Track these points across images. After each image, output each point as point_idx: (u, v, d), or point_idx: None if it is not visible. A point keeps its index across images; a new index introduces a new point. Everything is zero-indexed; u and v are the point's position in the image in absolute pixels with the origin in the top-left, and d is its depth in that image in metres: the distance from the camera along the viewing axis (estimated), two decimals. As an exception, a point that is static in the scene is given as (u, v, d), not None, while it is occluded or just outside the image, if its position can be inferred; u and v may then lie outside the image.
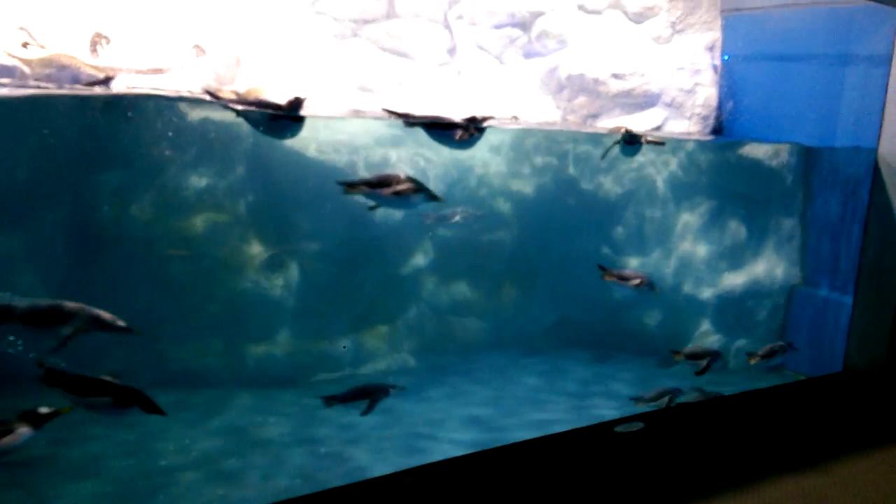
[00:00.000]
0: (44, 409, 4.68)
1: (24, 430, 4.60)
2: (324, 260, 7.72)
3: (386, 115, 6.41)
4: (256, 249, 7.43)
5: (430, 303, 8.44)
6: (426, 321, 8.35)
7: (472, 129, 6.21)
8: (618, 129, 7.56)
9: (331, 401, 6.16)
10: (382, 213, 7.86)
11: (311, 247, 7.69)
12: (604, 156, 6.98)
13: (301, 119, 5.70)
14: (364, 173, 7.72)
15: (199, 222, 7.18)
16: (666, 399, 6.74)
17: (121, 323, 5.02)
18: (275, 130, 5.98)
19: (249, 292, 7.35)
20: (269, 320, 7.52)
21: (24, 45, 6.39)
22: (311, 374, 7.56)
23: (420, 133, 8.55)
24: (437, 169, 8.28)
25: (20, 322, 4.81)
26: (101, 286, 6.45)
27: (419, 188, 6.15)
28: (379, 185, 6.09)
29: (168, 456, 6.00)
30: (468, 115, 6.27)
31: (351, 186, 6.03)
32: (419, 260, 8.29)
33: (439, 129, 6.33)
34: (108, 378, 4.64)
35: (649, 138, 7.49)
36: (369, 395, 6.21)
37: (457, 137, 6.23)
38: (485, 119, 6.25)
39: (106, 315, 4.98)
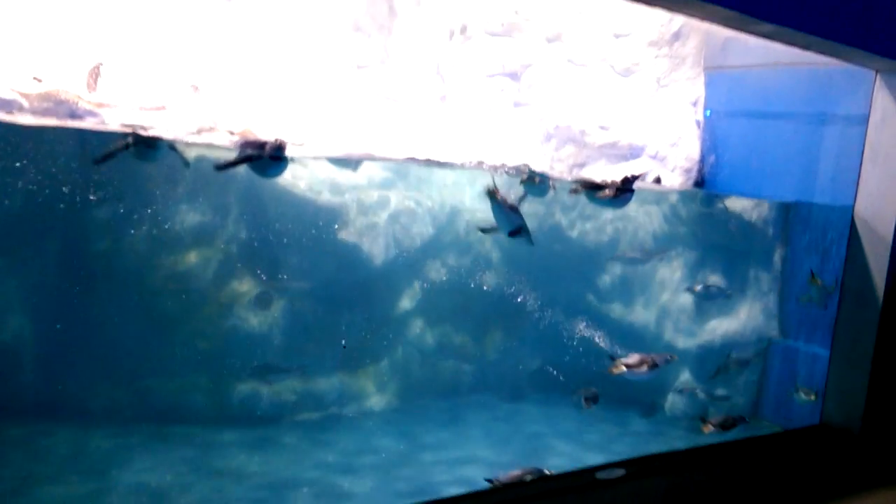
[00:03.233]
0: None
1: None
2: (311, 299, 7.77)
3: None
4: (245, 286, 7.48)
5: (416, 345, 8.49)
6: (412, 363, 8.40)
7: (614, 189, 6.52)
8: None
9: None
10: (368, 253, 7.98)
11: (300, 285, 7.74)
12: None
13: (284, 159, 5.92)
14: (356, 214, 7.86)
15: (191, 258, 7.24)
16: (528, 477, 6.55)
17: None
18: (259, 169, 6.21)
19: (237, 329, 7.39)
20: (256, 357, 7.53)
21: (35, 79, 6.49)
22: (295, 412, 7.56)
23: (410, 176, 8.74)
24: (427, 212, 8.41)
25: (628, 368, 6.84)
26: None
27: None
28: None
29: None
30: (621, 177, 6.63)
31: None
32: (406, 302, 8.36)
33: (591, 188, 6.65)
34: None
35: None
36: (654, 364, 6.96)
37: (601, 195, 6.56)
38: (635, 179, 6.54)
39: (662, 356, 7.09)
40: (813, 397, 7.76)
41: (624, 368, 6.90)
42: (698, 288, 8.88)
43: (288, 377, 7.51)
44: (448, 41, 9.19)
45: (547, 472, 6.24)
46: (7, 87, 6.43)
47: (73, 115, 6.73)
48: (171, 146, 6.59)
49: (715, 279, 9.17)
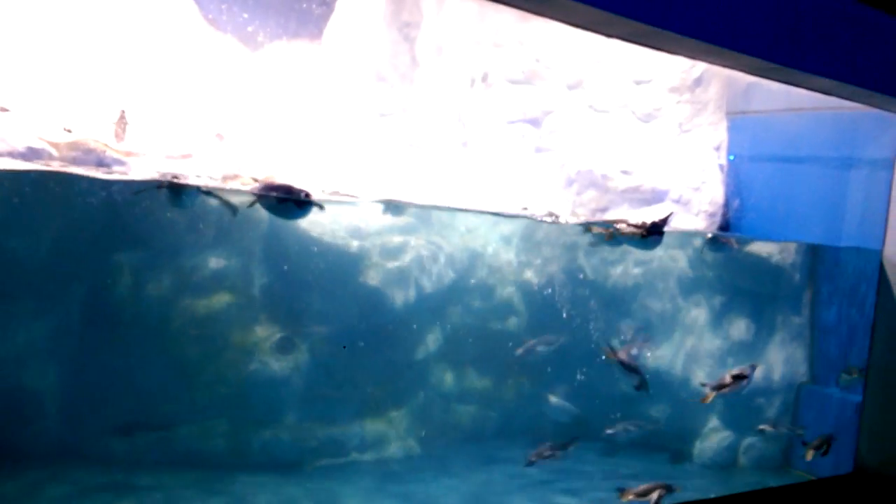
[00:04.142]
0: None
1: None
2: (332, 344, 7.76)
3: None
4: (267, 332, 7.49)
5: (438, 390, 8.41)
6: (434, 408, 8.31)
7: (645, 231, 6.69)
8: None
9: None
10: (389, 297, 7.97)
11: (321, 330, 7.74)
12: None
13: (310, 203, 6.04)
14: (378, 259, 7.89)
15: (212, 304, 7.28)
16: (655, 495, 6.53)
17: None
18: (283, 212, 6.45)
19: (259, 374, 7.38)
20: (277, 403, 7.50)
21: (66, 129, 6.66)
22: (316, 458, 7.50)
23: (431, 221, 8.77)
24: (447, 256, 8.42)
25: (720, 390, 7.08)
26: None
27: None
28: None
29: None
30: (650, 221, 6.87)
31: None
32: (428, 346, 8.31)
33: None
34: None
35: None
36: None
37: (627, 231, 6.79)
38: (664, 222, 6.66)
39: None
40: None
41: (714, 394, 6.95)
42: (531, 343, 8.54)
43: (157, 432, 7.13)
44: (469, 89, 9.30)
45: (676, 488, 6.61)
46: (37, 137, 6.59)
47: (101, 163, 6.88)
48: (214, 194, 6.76)
49: (739, 325, 9.04)
